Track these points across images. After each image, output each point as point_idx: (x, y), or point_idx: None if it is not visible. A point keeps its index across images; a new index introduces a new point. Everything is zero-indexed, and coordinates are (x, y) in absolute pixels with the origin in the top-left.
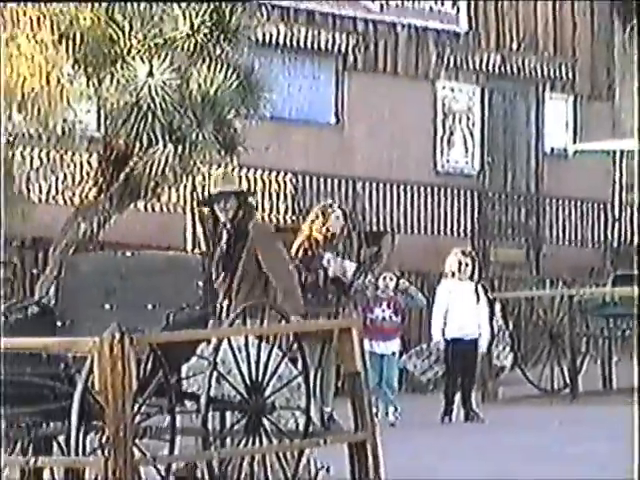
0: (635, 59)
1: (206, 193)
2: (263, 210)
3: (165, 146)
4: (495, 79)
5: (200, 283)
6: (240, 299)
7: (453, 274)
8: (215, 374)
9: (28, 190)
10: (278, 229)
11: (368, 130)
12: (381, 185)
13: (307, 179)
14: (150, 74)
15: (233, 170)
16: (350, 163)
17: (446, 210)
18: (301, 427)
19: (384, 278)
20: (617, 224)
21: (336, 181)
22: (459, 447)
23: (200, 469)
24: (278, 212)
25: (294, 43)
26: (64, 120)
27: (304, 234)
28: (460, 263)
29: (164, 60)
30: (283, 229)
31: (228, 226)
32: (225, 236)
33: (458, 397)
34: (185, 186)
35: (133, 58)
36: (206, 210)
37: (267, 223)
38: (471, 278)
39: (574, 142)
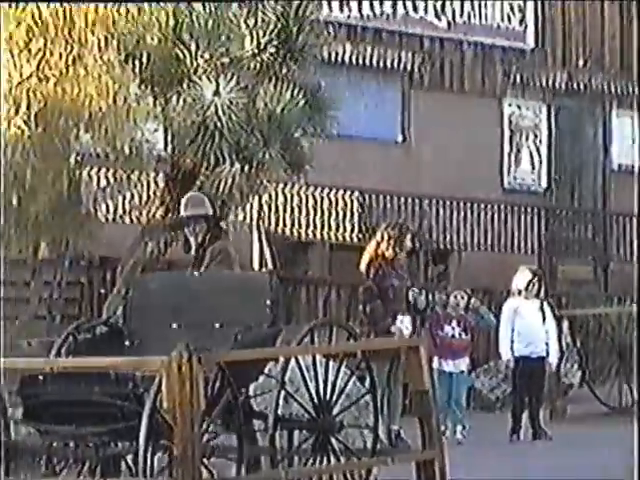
0: None
1: (181, 215)
2: (329, 228)
3: (232, 165)
4: (562, 96)
5: (268, 301)
6: None
7: (520, 292)
8: (283, 393)
9: (95, 210)
10: (345, 247)
11: (435, 148)
12: (448, 203)
13: (374, 197)
14: (217, 93)
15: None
16: (417, 181)
17: (513, 227)
18: (369, 446)
19: (455, 296)
20: None
21: (403, 199)
22: (527, 465)
23: None
24: (345, 230)
25: (360, 61)
26: (131, 139)
27: (373, 253)
28: (527, 281)
29: (231, 79)
30: (349, 247)
31: (195, 249)
32: (193, 259)
33: (526, 415)
34: (252, 205)
35: (200, 77)
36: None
37: (224, 244)
38: (538, 295)
39: None
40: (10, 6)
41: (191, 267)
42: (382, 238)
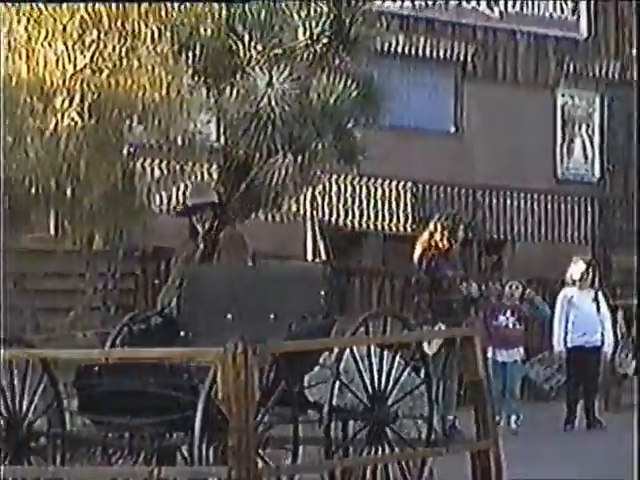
0: None
1: (186, 203)
2: (383, 219)
3: (285, 156)
4: (615, 86)
5: (322, 292)
6: None
7: (574, 282)
8: (338, 383)
9: (149, 201)
10: (398, 237)
11: (487, 138)
12: (501, 193)
13: (427, 188)
14: (270, 84)
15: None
16: (470, 171)
17: (567, 217)
18: (423, 436)
19: (509, 286)
20: None
21: (456, 190)
22: (582, 455)
23: None
24: (398, 221)
25: (413, 52)
26: (184, 131)
27: (426, 243)
28: (581, 271)
29: (284, 70)
30: (403, 238)
31: (203, 237)
32: (201, 246)
33: (580, 405)
34: (305, 196)
35: (253, 68)
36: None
37: (238, 231)
38: (592, 286)
39: None
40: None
41: (199, 255)
42: (435, 229)
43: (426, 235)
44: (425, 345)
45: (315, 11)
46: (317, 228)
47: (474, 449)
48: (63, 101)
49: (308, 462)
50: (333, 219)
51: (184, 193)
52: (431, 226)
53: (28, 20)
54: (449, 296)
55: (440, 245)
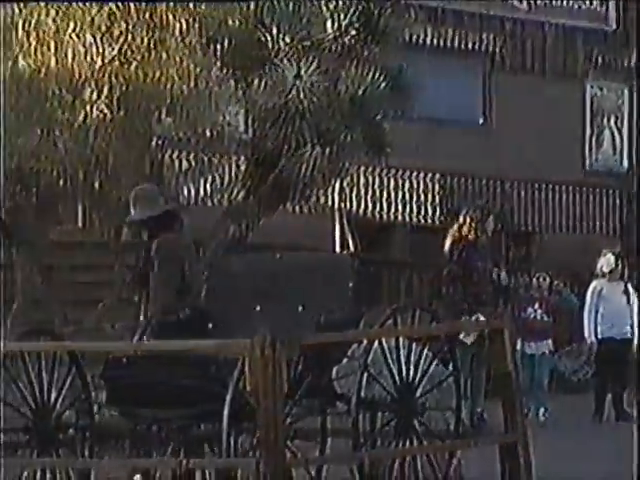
0: None
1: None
2: (411, 210)
3: (313, 148)
4: None
5: (350, 284)
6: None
7: (604, 274)
8: (366, 375)
9: (178, 193)
10: (426, 229)
11: (516, 130)
12: (529, 185)
13: (455, 179)
14: (298, 76)
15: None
16: (498, 163)
17: (595, 209)
18: (452, 428)
19: (537, 278)
20: None
21: (484, 181)
22: (611, 447)
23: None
24: (426, 212)
25: (442, 44)
26: (213, 123)
27: (457, 235)
28: (611, 263)
29: (312, 62)
30: (431, 229)
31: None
32: (143, 254)
33: (609, 397)
34: (333, 188)
35: (281, 61)
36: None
37: (169, 238)
38: (622, 278)
39: None
40: None
41: (142, 264)
42: (465, 220)
43: (456, 227)
44: (462, 334)
45: (343, 3)
46: (345, 220)
47: (502, 441)
48: (92, 93)
49: (336, 454)
50: (361, 211)
51: (212, 185)
52: (461, 218)
53: (57, 13)
54: (479, 287)
55: (470, 236)
